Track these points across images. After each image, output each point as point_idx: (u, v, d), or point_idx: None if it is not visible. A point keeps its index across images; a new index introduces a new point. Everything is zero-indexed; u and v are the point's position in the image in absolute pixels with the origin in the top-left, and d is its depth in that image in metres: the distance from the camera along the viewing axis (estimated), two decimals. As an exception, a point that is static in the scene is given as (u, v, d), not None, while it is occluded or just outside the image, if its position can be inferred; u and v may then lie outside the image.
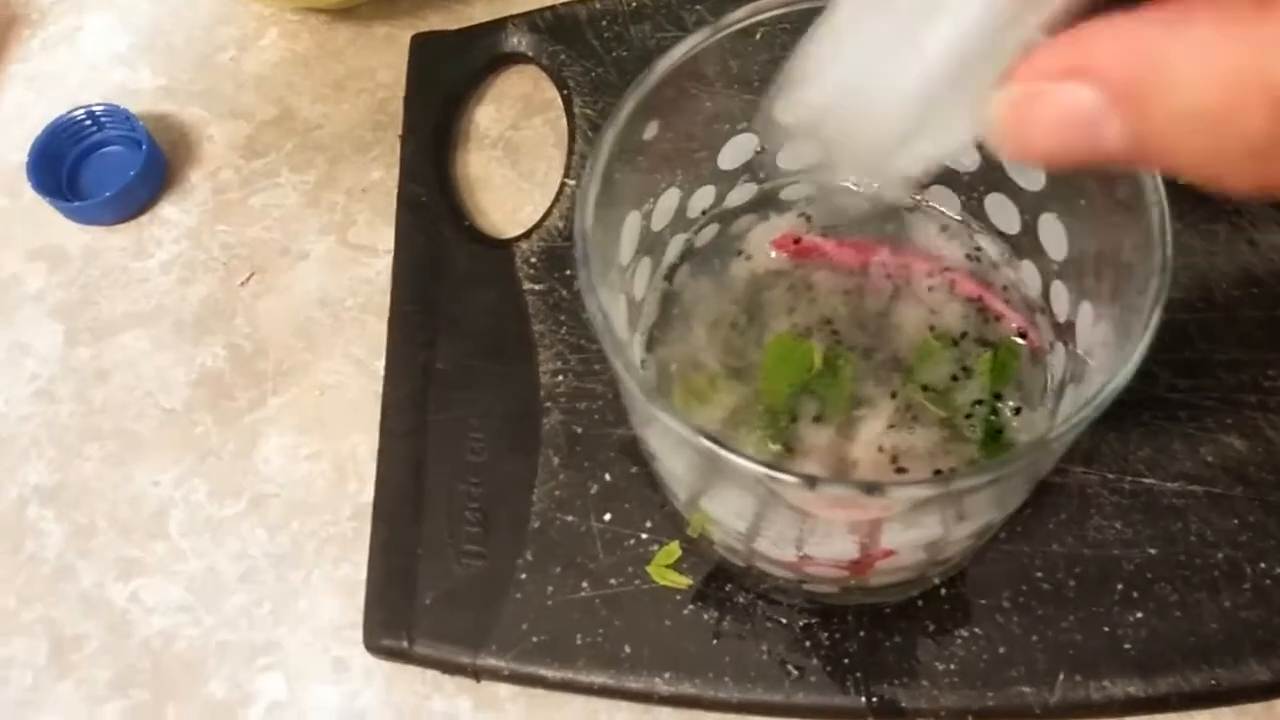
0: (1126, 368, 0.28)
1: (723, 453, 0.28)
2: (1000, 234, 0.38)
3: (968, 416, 0.36)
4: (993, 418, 0.36)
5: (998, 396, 0.36)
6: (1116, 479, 0.43)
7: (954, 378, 0.37)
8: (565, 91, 0.54)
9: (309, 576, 0.46)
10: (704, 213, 0.38)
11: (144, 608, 0.45)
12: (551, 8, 0.56)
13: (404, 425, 0.46)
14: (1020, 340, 0.37)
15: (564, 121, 0.54)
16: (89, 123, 0.55)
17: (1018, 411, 0.36)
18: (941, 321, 0.37)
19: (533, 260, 0.50)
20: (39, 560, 0.47)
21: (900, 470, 0.35)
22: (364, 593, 0.44)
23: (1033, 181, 0.35)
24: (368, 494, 0.46)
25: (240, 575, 0.46)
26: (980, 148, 0.36)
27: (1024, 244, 0.37)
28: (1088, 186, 0.33)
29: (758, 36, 0.34)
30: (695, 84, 0.34)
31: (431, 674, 0.43)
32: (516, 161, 0.54)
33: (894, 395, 0.36)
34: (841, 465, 0.35)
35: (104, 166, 0.55)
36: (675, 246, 0.39)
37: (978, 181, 0.37)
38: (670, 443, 0.32)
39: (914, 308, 0.38)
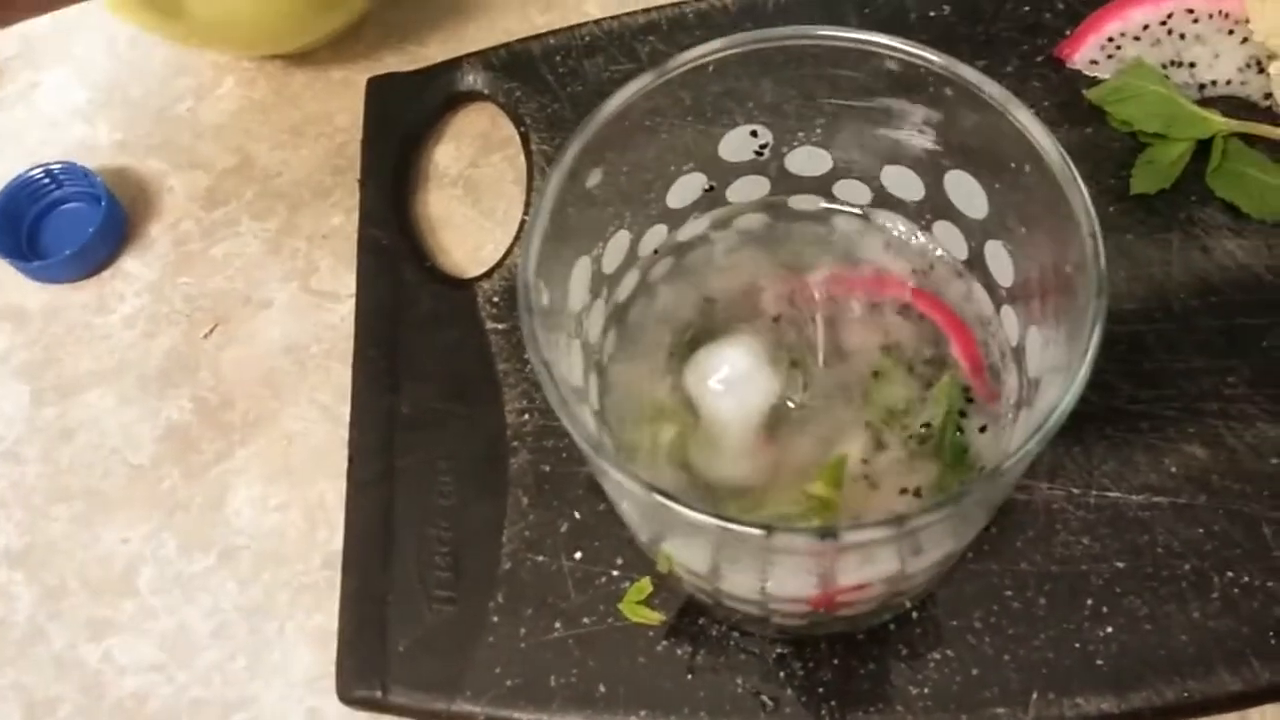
0: (1069, 395, 0.28)
1: (674, 506, 0.28)
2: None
3: (923, 440, 0.36)
4: (958, 435, 0.36)
5: (961, 414, 0.37)
6: (1081, 493, 0.44)
7: (911, 400, 0.37)
8: (522, 129, 0.54)
9: (282, 628, 0.45)
10: (655, 251, 0.38)
11: (116, 668, 0.45)
12: (506, 45, 0.56)
13: (371, 472, 0.46)
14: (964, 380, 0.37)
15: (522, 158, 0.54)
16: (47, 181, 0.55)
17: (983, 429, 0.36)
18: (895, 341, 0.37)
19: (495, 299, 0.50)
20: (9, 624, 0.46)
21: (873, 487, 0.35)
22: (336, 642, 0.44)
23: (976, 209, 0.35)
24: (338, 541, 0.46)
25: (212, 630, 0.46)
26: (921, 176, 0.37)
27: (974, 269, 0.37)
28: (1027, 214, 0.33)
29: (705, 76, 0.35)
30: (639, 129, 0.34)
31: (407, 721, 0.43)
32: (477, 200, 0.54)
33: (867, 425, 0.36)
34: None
35: (63, 224, 0.55)
36: (629, 282, 0.39)
37: (924, 209, 0.37)
38: (621, 492, 0.32)
39: (868, 330, 0.38)
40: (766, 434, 0.36)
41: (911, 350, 0.37)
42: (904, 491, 0.35)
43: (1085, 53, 0.52)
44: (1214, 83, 0.51)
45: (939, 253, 0.38)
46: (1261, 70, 0.50)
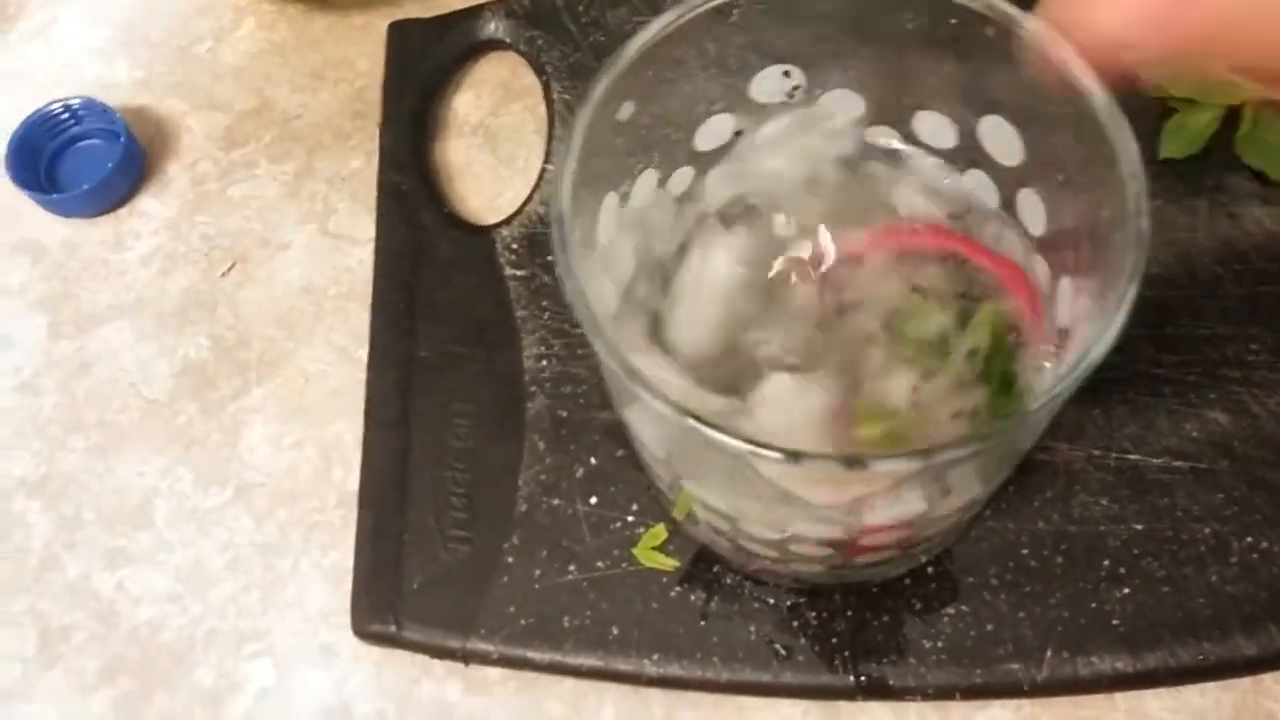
0: (1104, 340, 0.28)
1: (705, 429, 0.28)
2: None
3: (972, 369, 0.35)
4: (1008, 364, 0.35)
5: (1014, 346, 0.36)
6: (1102, 455, 0.43)
7: (945, 330, 0.36)
8: (544, 77, 0.54)
9: (296, 564, 0.45)
10: (685, 194, 0.38)
11: (131, 598, 0.45)
12: (529, -8, 0.55)
13: (388, 413, 0.46)
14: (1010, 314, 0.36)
15: (543, 107, 0.54)
16: (66, 116, 0.54)
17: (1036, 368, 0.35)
18: (924, 282, 0.37)
19: (514, 246, 0.49)
20: (26, 551, 0.46)
21: (924, 417, 0.34)
22: (351, 579, 0.44)
23: (1011, 156, 0.35)
24: (353, 481, 0.46)
25: (227, 564, 0.46)
26: (956, 122, 0.36)
27: (1006, 216, 0.37)
28: (1065, 161, 0.33)
29: (732, 18, 0.34)
30: (670, 65, 0.34)
31: (420, 658, 0.43)
32: (496, 148, 0.54)
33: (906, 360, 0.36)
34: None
35: (82, 160, 0.55)
36: (666, 230, 0.38)
37: (955, 157, 0.37)
38: (651, 423, 0.31)
39: (894, 273, 0.37)
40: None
41: (945, 286, 0.36)
42: (956, 415, 0.34)
43: (1117, 16, 0.52)
44: (1246, 50, 0.51)
45: (973, 198, 0.37)
46: (1294, 38, 0.50)
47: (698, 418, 0.27)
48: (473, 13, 0.56)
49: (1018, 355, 0.35)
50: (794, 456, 0.27)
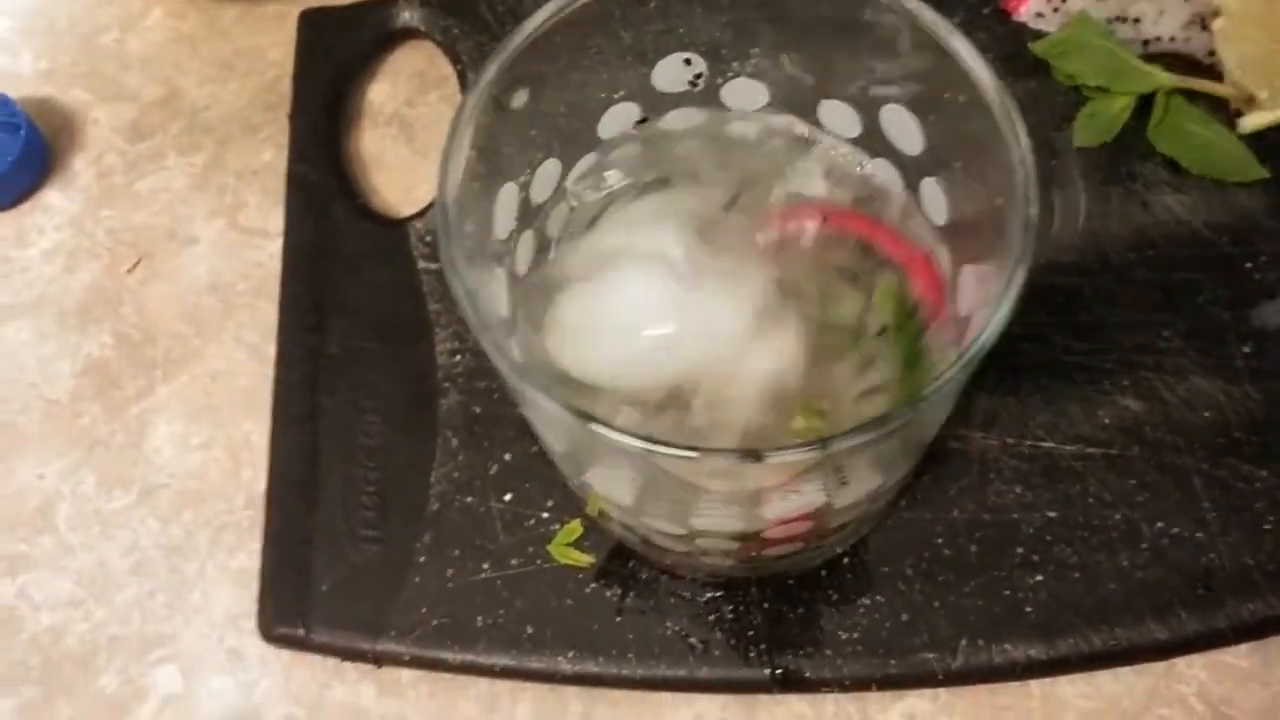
0: (994, 324, 0.27)
1: (599, 430, 0.27)
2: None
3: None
4: (914, 337, 0.35)
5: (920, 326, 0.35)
6: (1015, 443, 0.44)
7: (861, 310, 0.35)
8: (459, 67, 0.53)
9: (203, 567, 0.44)
10: (584, 177, 0.37)
11: (31, 604, 0.44)
12: (444, -19, 0.55)
13: (296, 410, 0.45)
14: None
15: (459, 97, 0.53)
16: (-34, 108, 0.53)
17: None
18: (841, 261, 0.36)
19: (427, 239, 0.49)
20: (-81, 560, 0.45)
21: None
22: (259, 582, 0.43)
23: (911, 145, 0.34)
24: (263, 482, 0.45)
25: (131, 568, 0.44)
26: (859, 111, 0.36)
27: (909, 208, 0.37)
28: (963, 150, 0.33)
29: (631, 3, 0.34)
30: (570, 49, 0.33)
31: (332, 662, 0.42)
32: (412, 139, 0.53)
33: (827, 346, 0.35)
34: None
35: (-18, 153, 0.53)
36: (559, 215, 0.38)
37: (860, 146, 0.37)
38: (547, 420, 0.31)
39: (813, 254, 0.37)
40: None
41: (853, 268, 0.36)
42: (865, 395, 0.34)
43: (1031, 6, 0.52)
44: (1158, 39, 0.51)
45: (878, 185, 0.37)
46: (1205, 27, 0.50)
47: (590, 417, 0.27)
48: (387, 1, 0.55)
49: (923, 332, 0.35)
50: (695, 453, 0.27)
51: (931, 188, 0.35)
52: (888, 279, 0.35)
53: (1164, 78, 0.49)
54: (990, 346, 0.27)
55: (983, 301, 0.32)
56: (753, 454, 0.27)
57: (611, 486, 0.33)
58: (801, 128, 0.38)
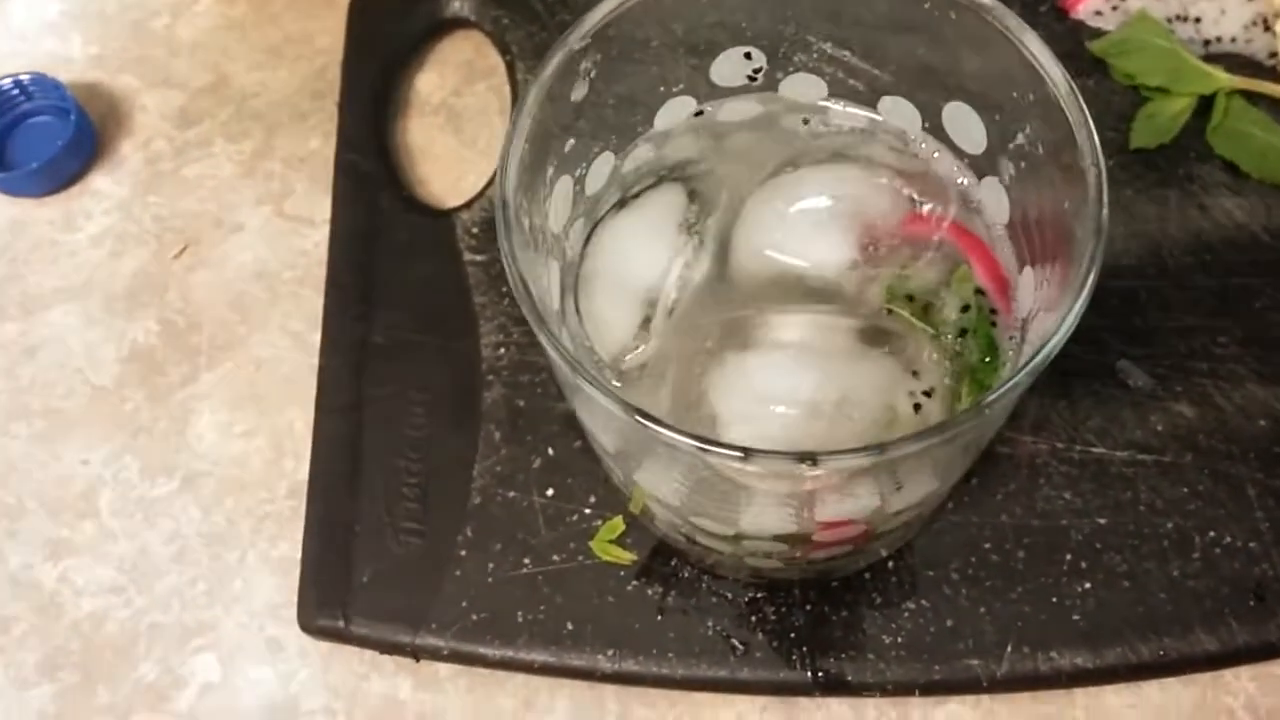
0: (1061, 330, 0.27)
1: (653, 427, 0.27)
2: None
3: (961, 333, 0.34)
4: (991, 328, 0.34)
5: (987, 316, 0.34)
6: (1066, 448, 0.43)
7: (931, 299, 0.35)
8: (508, 57, 0.52)
9: (244, 556, 0.44)
10: (637, 170, 0.37)
11: (74, 589, 0.44)
12: (494, -29, 0.54)
13: (340, 400, 0.45)
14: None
15: (508, 88, 0.52)
16: (17, 93, 0.53)
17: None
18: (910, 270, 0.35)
19: (474, 231, 0.48)
20: (-36, 542, 0.45)
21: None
22: (299, 572, 0.43)
23: (974, 144, 0.34)
24: (305, 471, 0.45)
25: (173, 555, 0.44)
26: (920, 108, 0.35)
27: (968, 207, 0.36)
28: (1028, 150, 0.32)
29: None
30: (629, 43, 0.33)
31: (369, 654, 0.42)
32: (459, 129, 0.53)
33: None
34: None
35: (32, 137, 0.53)
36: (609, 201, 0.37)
37: (922, 142, 0.36)
38: (599, 416, 0.31)
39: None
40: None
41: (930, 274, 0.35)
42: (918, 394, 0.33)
43: (1090, 3, 0.51)
44: (1219, 39, 0.50)
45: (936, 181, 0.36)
46: (1268, 28, 0.49)
47: (646, 415, 0.26)
48: (437, -10, 0.54)
49: (994, 321, 0.34)
50: (745, 454, 0.27)
51: (993, 186, 0.34)
52: (962, 268, 0.34)
53: (1224, 79, 0.48)
54: (1057, 353, 0.27)
55: (1043, 305, 0.32)
56: (808, 457, 0.27)
57: (661, 485, 0.33)
58: (861, 121, 0.37)
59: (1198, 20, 0.50)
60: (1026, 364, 0.27)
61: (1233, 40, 0.50)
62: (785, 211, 0.35)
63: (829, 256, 0.34)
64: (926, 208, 0.35)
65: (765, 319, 0.33)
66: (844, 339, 0.34)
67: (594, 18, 0.31)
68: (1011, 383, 0.26)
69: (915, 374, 0.33)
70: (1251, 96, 0.49)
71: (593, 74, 0.32)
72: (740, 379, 0.32)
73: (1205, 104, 0.48)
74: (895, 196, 0.35)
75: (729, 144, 0.37)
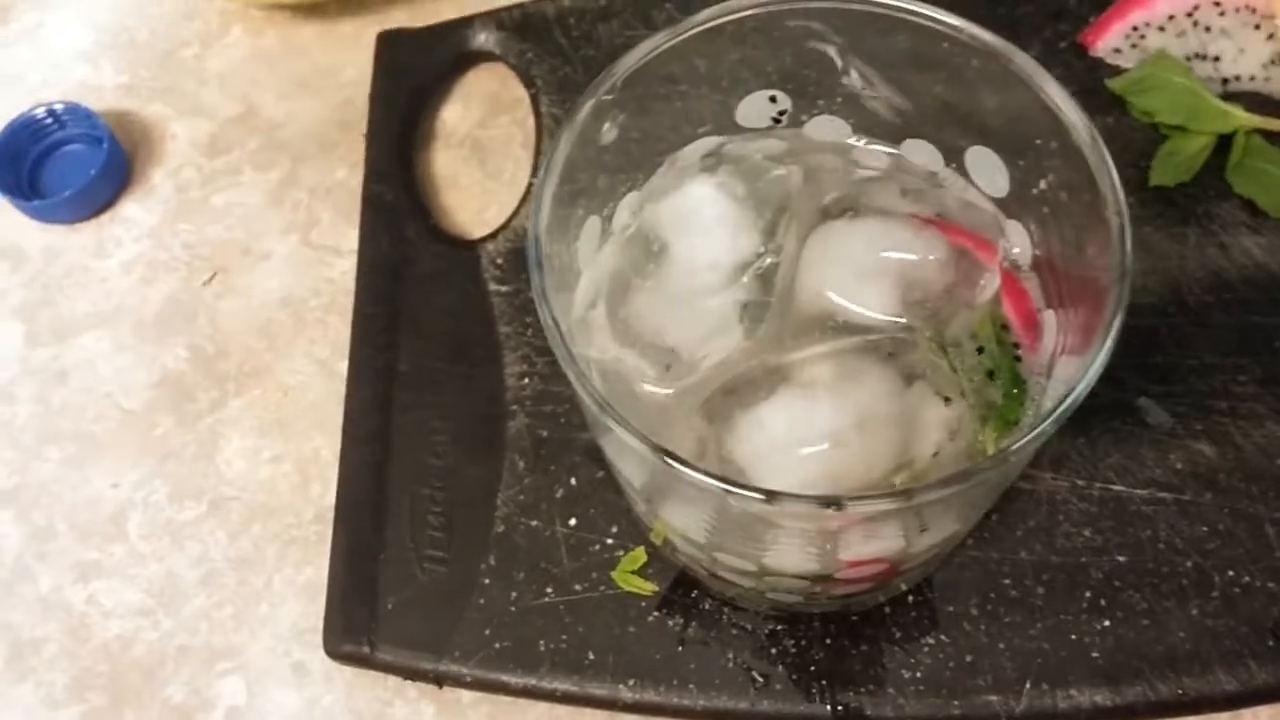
0: (1087, 378, 0.27)
1: (678, 467, 0.27)
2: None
3: (990, 374, 0.34)
4: (1014, 368, 0.34)
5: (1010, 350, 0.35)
6: (1085, 486, 0.43)
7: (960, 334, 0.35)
8: (533, 90, 0.53)
9: (270, 580, 0.45)
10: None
11: (102, 611, 0.45)
12: (519, 5, 0.55)
13: (366, 428, 0.46)
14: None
15: (532, 120, 0.53)
16: (50, 121, 0.54)
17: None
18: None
19: (499, 261, 0.49)
20: (-4, 563, 0.46)
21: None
22: (325, 597, 0.43)
23: (996, 188, 0.34)
24: (331, 497, 0.45)
25: (200, 579, 0.45)
26: (943, 151, 0.36)
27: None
28: (1050, 195, 0.32)
29: (723, 37, 0.34)
30: (657, 84, 0.33)
31: (393, 680, 0.43)
32: (484, 161, 0.53)
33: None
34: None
35: (65, 165, 0.54)
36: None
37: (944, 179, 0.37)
38: (625, 453, 0.31)
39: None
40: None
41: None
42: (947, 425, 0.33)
43: (1109, 41, 0.51)
44: (1237, 78, 0.51)
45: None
46: (1287, 67, 0.50)
47: (673, 456, 0.27)
48: (463, 23, 0.55)
49: (1020, 356, 0.34)
50: (769, 496, 0.27)
51: (1015, 230, 0.34)
52: (982, 303, 0.34)
53: (1243, 117, 0.49)
54: (1081, 400, 0.27)
55: (1064, 348, 0.32)
56: (834, 502, 0.27)
57: (687, 522, 0.33)
58: (883, 160, 0.37)
59: (1216, 59, 0.51)
60: (1053, 411, 0.27)
61: (1251, 79, 0.51)
62: (852, 256, 0.35)
63: (879, 303, 0.34)
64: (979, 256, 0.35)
65: (802, 356, 0.34)
66: (873, 371, 0.34)
67: (628, 61, 0.32)
68: (1038, 431, 0.27)
69: (946, 400, 0.33)
70: (1271, 135, 0.49)
71: (622, 115, 0.33)
72: (773, 416, 0.33)
73: (1224, 143, 0.49)
74: (948, 247, 0.35)
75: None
